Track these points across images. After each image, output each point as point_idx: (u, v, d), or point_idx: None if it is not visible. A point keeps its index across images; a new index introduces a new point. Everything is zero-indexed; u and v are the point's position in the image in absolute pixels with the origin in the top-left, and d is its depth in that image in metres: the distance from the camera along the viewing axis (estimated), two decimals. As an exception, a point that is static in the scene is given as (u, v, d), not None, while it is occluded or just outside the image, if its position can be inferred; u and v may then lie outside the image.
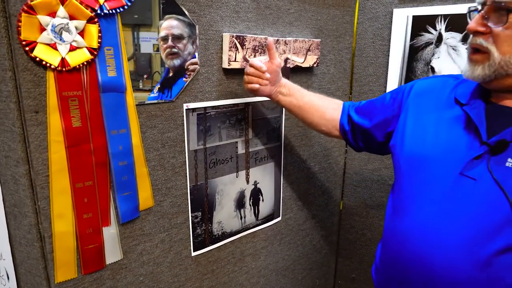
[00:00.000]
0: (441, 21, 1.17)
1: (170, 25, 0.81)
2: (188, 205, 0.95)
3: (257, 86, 0.89)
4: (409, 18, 1.22)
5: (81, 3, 0.66)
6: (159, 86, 0.82)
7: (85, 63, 0.69)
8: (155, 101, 0.83)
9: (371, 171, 1.42)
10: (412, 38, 1.23)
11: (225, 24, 0.93)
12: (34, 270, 0.76)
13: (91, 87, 0.71)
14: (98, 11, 0.68)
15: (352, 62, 1.39)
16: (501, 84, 0.63)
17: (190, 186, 0.94)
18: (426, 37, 1.20)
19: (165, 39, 0.81)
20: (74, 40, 0.67)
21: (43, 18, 0.63)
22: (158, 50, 0.80)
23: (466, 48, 1.14)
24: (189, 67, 0.86)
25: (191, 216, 0.96)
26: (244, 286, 1.18)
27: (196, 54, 0.87)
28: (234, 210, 1.07)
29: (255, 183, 1.12)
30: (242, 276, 1.16)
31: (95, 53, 0.70)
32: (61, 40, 0.65)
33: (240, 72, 0.97)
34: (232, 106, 1.00)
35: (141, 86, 0.79)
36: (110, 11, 0.70)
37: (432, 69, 1.21)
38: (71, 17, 0.66)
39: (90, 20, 0.68)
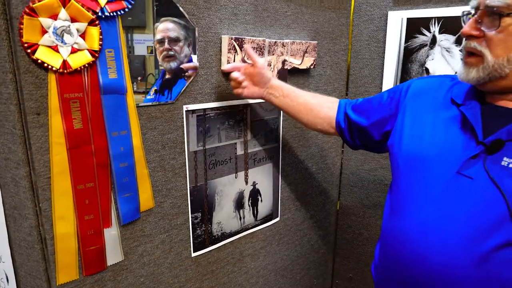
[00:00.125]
0: (435, 24, 1.19)
1: (166, 27, 0.81)
2: (188, 206, 0.95)
3: (240, 90, 0.93)
4: (404, 20, 1.24)
5: (82, 5, 0.66)
6: (156, 88, 0.82)
7: (86, 65, 0.69)
8: (155, 103, 0.83)
9: (367, 171, 1.44)
10: (406, 40, 1.25)
11: (223, 27, 0.94)
12: (34, 272, 0.76)
13: (92, 89, 0.71)
14: (99, 14, 0.69)
15: (348, 63, 1.41)
16: (495, 86, 0.64)
17: (190, 187, 0.95)
18: (421, 39, 1.23)
19: (161, 41, 0.81)
20: (75, 42, 0.67)
21: (45, 21, 0.63)
22: (152, 52, 0.80)
23: (460, 50, 1.17)
24: (188, 71, 0.87)
25: (191, 217, 0.96)
26: (244, 286, 1.18)
27: (192, 56, 0.87)
28: (233, 211, 1.08)
29: (254, 184, 1.12)
30: (241, 276, 1.16)
31: (96, 55, 0.70)
32: (62, 42, 0.66)
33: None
34: (231, 107, 1.00)
35: (135, 89, 0.79)
36: (111, 14, 0.71)
37: (427, 70, 1.23)
38: (73, 20, 0.66)
39: (91, 23, 0.68)
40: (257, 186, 1.13)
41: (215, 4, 0.91)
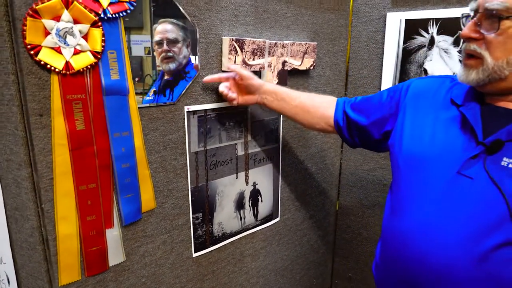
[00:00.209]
0: (433, 25, 1.21)
1: (165, 29, 0.81)
2: (189, 207, 0.96)
3: (234, 102, 0.95)
4: (402, 21, 1.25)
5: (85, 7, 0.67)
6: (154, 89, 0.82)
7: (88, 66, 0.69)
8: (155, 104, 0.83)
9: (366, 171, 1.45)
10: (405, 41, 1.26)
11: (224, 28, 0.95)
12: (36, 273, 0.76)
13: (95, 90, 0.72)
14: (102, 15, 0.69)
15: (347, 64, 1.42)
16: (494, 88, 0.65)
17: (191, 188, 0.95)
18: (419, 40, 1.24)
19: (160, 43, 0.81)
20: (78, 44, 0.68)
21: (48, 22, 0.63)
22: (149, 53, 0.80)
23: (457, 51, 1.18)
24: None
25: (192, 217, 0.97)
26: (244, 286, 1.19)
27: (191, 57, 0.88)
28: (234, 211, 1.08)
29: (254, 184, 1.13)
30: (241, 276, 1.17)
31: (99, 56, 0.70)
32: (65, 43, 0.66)
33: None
34: (232, 108, 1.01)
35: None
36: (114, 15, 0.71)
37: (425, 71, 1.24)
38: (75, 21, 0.66)
39: (93, 24, 0.69)
40: (257, 187, 1.14)
41: (216, 6, 0.91)
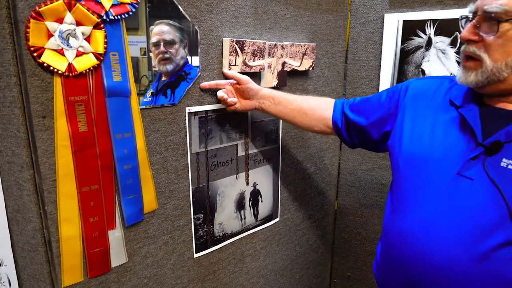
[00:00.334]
0: (430, 26, 1.22)
1: (161, 30, 0.81)
2: (190, 207, 0.96)
3: (232, 108, 0.97)
4: (400, 22, 1.27)
5: (87, 9, 0.67)
6: (152, 90, 0.82)
7: (91, 68, 0.69)
8: (151, 106, 0.83)
9: (364, 171, 1.46)
10: (403, 42, 1.27)
11: (225, 29, 0.95)
12: (38, 275, 0.76)
13: (97, 92, 0.72)
14: (104, 17, 0.69)
15: (345, 65, 1.43)
16: (493, 89, 0.66)
17: (192, 189, 0.95)
18: (416, 41, 1.25)
19: (156, 44, 0.81)
20: (80, 46, 0.68)
21: (51, 24, 0.64)
22: (145, 53, 0.80)
23: (455, 52, 1.19)
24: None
25: (193, 218, 0.97)
26: (244, 286, 1.19)
27: (188, 57, 0.88)
28: (234, 212, 1.09)
29: (254, 185, 1.13)
30: (242, 276, 1.17)
31: (101, 58, 0.70)
32: (68, 45, 0.66)
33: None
34: (232, 109, 1.01)
35: None
36: (116, 17, 0.71)
37: (423, 71, 1.25)
38: (78, 23, 0.67)
39: (96, 26, 0.69)
40: (257, 187, 1.15)
41: (216, 7, 0.92)
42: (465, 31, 0.65)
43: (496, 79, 0.63)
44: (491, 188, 0.63)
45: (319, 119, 0.97)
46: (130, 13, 0.74)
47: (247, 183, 1.11)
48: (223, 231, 1.06)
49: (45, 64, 0.64)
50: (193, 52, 0.88)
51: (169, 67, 0.84)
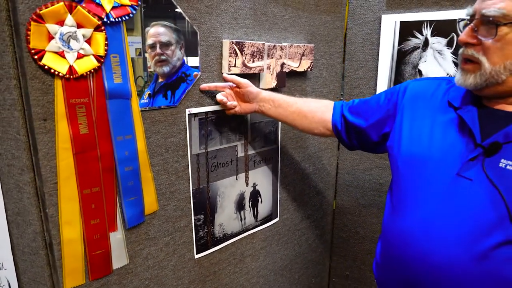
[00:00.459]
0: (427, 27, 1.23)
1: (157, 32, 0.81)
2: (191, 209, 0.96)
3: (232, 111, 0.97)
4: (397, 23, 1.28)
5: (88, 11, 0.67)
6: (149, 92, 0.82)
7: (92, 70, 0.69)
8: (147, 108, 0.82)
9: (362, 171, 1.47)
10: (400, 43, 1.28)
11: (224, 31, 0.95)
12: (38, 278, 0.76)
13: (98, 94, 0.72)
14: (105, 19, 0.69)
15: (343, 66, 1.44)
16: (492, 91, 0.66)
17: (192, 190, 0.95)
18: (413, 41, 1.26)
19: (153, 46, 0.80)
20: (81, 48, 0.68)
21: (52, 27, 0.63)
22: (140, 54, 0.79)
23: (451, 53, 1.21)
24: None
25: (194, 219, 0.97)
26: (245, 286, 1.20)
27: (185, 58, 0.88)
28: (234, 212, 1.09)
29: (254, 185, 1.14)
30: (242, 277, 1.18)
31: (102, 60, 0.70)
32: (69, 48, 0.66)
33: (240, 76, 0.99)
34: (232, 110, 1.02)
35: None
36: (116, 19, 0.71)
37: (420, 72, 1.27)
38: (79, 26, 0.67)
39: (97, 28, 0.69)
40: (257, 187, 1.15)
41: (216, 9, 0.92)
42: (464, 34, 0.66)
43: (494, 82, 0.64)
44: (490, 188, 0.63)
45: (319, 122, 0.97)
46: (131, 15, 0.74)
47: (247, 184, 1.11)
48: (223, 231, 1.06)
49: (46, 67, 0.64)
50: (192, 53, 0.88)
51: (166, 68, 0.84)
